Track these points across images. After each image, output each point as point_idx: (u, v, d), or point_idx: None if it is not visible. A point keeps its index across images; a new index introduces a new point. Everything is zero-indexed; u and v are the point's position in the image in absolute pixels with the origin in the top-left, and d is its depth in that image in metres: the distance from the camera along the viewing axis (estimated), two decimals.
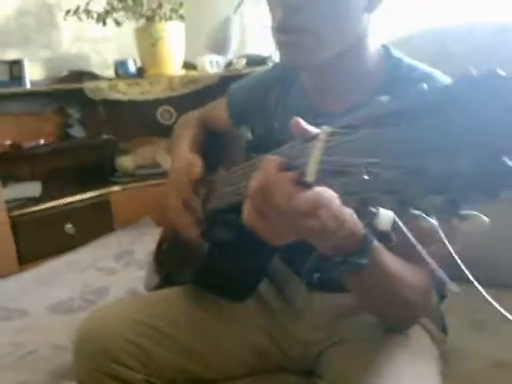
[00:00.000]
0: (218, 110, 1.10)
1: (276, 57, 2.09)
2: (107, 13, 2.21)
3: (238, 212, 0.76)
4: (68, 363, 1.17)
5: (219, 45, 2.15)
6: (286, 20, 0.73)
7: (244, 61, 2.27)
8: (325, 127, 0.45)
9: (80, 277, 1.70)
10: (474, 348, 0.99)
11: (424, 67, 0.80)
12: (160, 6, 2.22)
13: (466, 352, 0.97)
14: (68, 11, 2.21)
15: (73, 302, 1.51)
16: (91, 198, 2.17)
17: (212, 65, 2.31)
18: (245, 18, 2.30)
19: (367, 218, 0.45)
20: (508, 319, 1.03)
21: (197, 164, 0.89)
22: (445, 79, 0.77)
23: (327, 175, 0.43)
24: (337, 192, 0.44)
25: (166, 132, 2.49)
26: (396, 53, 0.83)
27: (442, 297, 0.90)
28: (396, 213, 0.41)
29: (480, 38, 1.31)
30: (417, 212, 0.36)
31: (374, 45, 0.81)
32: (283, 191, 0.49)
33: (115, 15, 2.22)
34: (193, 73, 2.31)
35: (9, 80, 2.16)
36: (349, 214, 0.56)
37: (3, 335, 1.35)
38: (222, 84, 2.22)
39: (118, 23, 2.22)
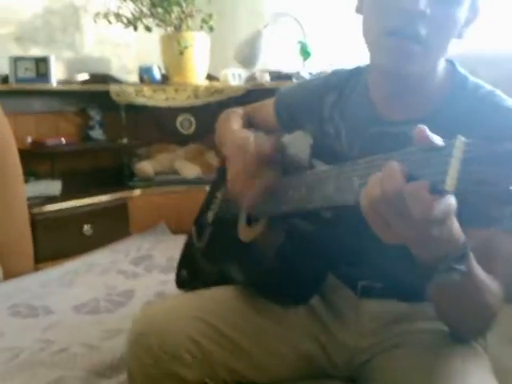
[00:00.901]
0: (266, 110, 1.12)
1: (304, 73, 2.15)
2: (137, 19, 2.26)
3: (312, 217, 0.80)
4: (103, 362, 1.20)
5: (247, 58, 2.20)
6: (407, 24, 0.74)
7: (268, 76, 2.32)
8: (459, 137, 0.46)
9: (101, 279, 1.72)
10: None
11: (488, 86, 0.84)
12: (190, 15, 2.28)
13: (504, 368, 1.01)
14: (97, 14, 2.26)
15: (98, 303, 1.52)
16: (110, 200, 2.19)
17: (234, 77, 2.37)
18: (272, 33, 2.36)
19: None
20: None
21: (264, 139, 0.88)
22: (505, 97, 0.80)
23: (466, 185, 0.45)
24: (474, 201, 0.47)
25: (184, 140, 2.55)
26: (462, 70, 0.87)
27: None
28: None
29: (509, 64, 1.38)
30: None
31: (442, 61, 0.85)
32: (421, 201, 0.50)
33: (144, 21, 2.28)
34: (217, 84, 2.36)
35: (35, 76, 2.19)
36: (456, 221, 0.58)
37: (32, 331, 1.37)
38: (247, 96, 2.28)
39: (148, 29, 2.27)
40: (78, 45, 2.51)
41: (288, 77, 2.24)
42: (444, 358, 0.78)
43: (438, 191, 0.48)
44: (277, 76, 2.32)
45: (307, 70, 2.21)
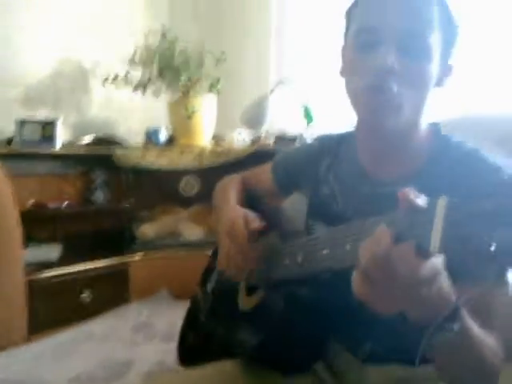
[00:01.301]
0: (263, 175, 1.18)
1: (307, 135, 2.17)
2: (146, 83, 2.30)
3: (310, 282, 0.80)
4: None
5: (253, 120, 2.24)
6: (379, 81, 0.79)
7: (273, 138, 2.34)
8: (442, 198, 0.49)
9: (99, 348, 1.64)
10: None
11: (469, 144, 0.87)
12: (198, 80, 2.31)
13: None
14: (106, 78, 2.30)
15: (95, 374, 1.44)
16: (109, 265, 2.14)
17: (239, 139, 2.38)
18: (277, 97, 2.41)
19: (497, 286, 0.50)
20: None
21: (254, 216, 0.95)
22: (488, 154, 0.83)
23: (450, 244, 0.47)
24: (458, 260, 0.48)
25: (187, 202, 2.53)
26: (444, 131, 0.91)
27: None
28: None
29: (500, 129, 1.39)
30: None
31: (425, 121, 0.89)
32: (408, 262, 0.51)
33: (152, 87, 2.31)
34: (222, 146, 2.37)
35: (40, 140, 2.19)
36: (447, 280, 0.59)
37: None
38: (251, 159, 2.27)
39: (156, 94, 2.30)
40: (84, 107, 2.54)
41: (292, 139, 2.26)
42: None
43: (423, 252, 0.50)
44: (281, 138, 2.33)
45: (310, 132, 2.24)
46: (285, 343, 0.85)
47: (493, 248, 0.42)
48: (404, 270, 0.52)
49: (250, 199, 1.19)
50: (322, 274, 0.76)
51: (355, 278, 0.57)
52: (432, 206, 0.50)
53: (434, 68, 0.81)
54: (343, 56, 0.92)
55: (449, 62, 0.86)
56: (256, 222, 0.93)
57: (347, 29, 0.89)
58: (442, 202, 0.49)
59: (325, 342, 0.89)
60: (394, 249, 0.53)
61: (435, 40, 0.80)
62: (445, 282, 0.59)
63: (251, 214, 0.96)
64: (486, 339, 0.70)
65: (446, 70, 0.85)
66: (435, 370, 0.75)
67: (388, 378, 0.89)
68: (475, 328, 0.67)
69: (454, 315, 0.61)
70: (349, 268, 0.60)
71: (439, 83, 0.85)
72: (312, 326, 0.85)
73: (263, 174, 1.18)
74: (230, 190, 1.16)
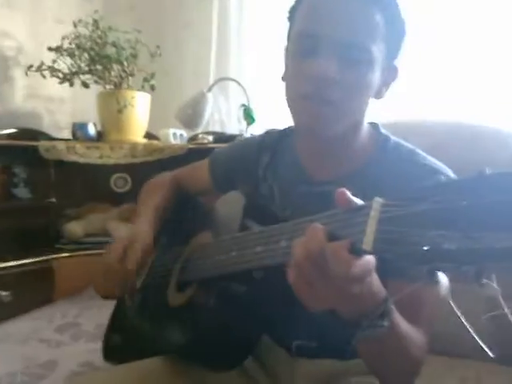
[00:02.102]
0: (199, 172, 1.16)
1: (247, 135, 2.17)
2: (74, 74, 2.22)
3: (243, 279, 0.80)
4: None
5: (189, 119, 2.20)
6: (319, 90, 0.80)
7: (211, 137, 2.32)
8: (377, 198, 0.50)
9: (19, 349, 1.55)
10: None
11: (408, 144, 0.91)
12: (132, 74, 2.26)
13: None
14: (30, 66, 2.19)
15: (15, 378, 1.36)
16: (32, 263, 2.04)
17: (175, 137, 2.35)
18: (216, 96, 2.39)
19: (428, 286, 0.49)
20: None
21: (142, 237, 0.97)
22: (424, 155, 0.87)
23: (383, 244, 0.48)
24: (391, 260, 0.49)
25: (118, 200, 2.46)
26: (383, 130, 0.94)
27: None
28: (468, 281, 0.45)
29: (437, 135, 1.51)
30: (485, 280, 0.43)
31: (365, 123, 0.92)
32: (340, 259, 0.52)
33: (82, 77, 2.24)
34: (156, 142, 2.32)
35: None
36: (377, 278, 0.62)
37: None
38: (187, 156, 2.25)
39: (86, 85, 2.22)
40: (5, 98, 2.40)
41: (231, 139, 2.25)
42: None
43: (357, 251, 0.52)
44: (220, 138, 2.32)
45: (250, 133, 2.23)
46: (215, 340, 0.85)
47: (426, 249, 0.43)
48: (336, 268, 0.53)
49: (183, 197, 1.18)
50: (256, 270, 0.77)
51: (290, 273, 0.58)
52: (367, 206, 0.52)
53: (376, 76, 0.83)
54: (286, 60, 0.91)
55: (394, 63, 0.87)
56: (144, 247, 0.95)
57: (290, 30, 0.89)
58: (376, 203, 0.50)
59: (256, 338, 0.89)
60: (327, 246, 0.53)
61: (377, 49, 0.80)
62: (375, 280, 0.61)
63: (147, 238, 0.98)
64: (413, 335, 0.73)
65: (390, 74, 0.87)
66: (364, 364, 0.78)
67: (320, 372, 0.91)
68: (404, 325, 0.70)
69: (384, 312, 0.63)
70: (283, 265, 0.61)
71: (382, 89, 0.87)
72: (244, 323, 0.84)
73: (199, 171, 1.16)
74: (154, 194, 1.14)
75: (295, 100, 0.84)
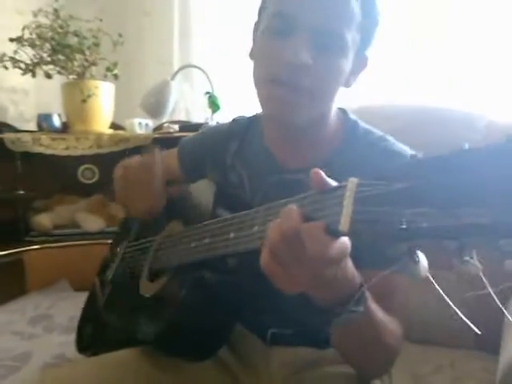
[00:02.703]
0: (169, 160, 1.14)
1: (212, 123, 2.19)
2: (36, 64, 2.20)
3: (215, 267, 0.80)
4: None
5: (154, 108, 2.20)
6: (287, 75, 0.78)
7: (177, 126, 2.33)
8: (352, 179, 0.50)
9: None
10: None
11: (377, 130, 0.91)
12: (94, 64, 2.25)
13: None
14: None
15: None
16: (3, 256, 2.05)
17: (141, 127, 2.35)
18: (180, 84, 2.39)
19: (408, 266, 0.48)
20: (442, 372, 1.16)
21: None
22: (393, 141, 0.87)
23: (360, 224, 0.47)
24: (368, 241, 0.49)
25: (86, 191, 2.47)
26: (352, 116, 0.93)
27: None
28: (450, 258, 0.43)
29: (402, 119, 1.52)
30: (467, 257, 0.41)
31: (334, 109, 0.91)
32: (316, 240, 0.51)
33: (44, 68, 2.22)
34: (122, 132, 2.33)
35: None
36: (351, 264, 0.61)
37: None
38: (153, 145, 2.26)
39: (48, 76, 2.21)
40: None
41: (197, 127, 2.26)
42: None
43: (333, 232, 0.51)
44: (185, 126, 2.33)
45: (216, 121, 2.24)
46: (188, 330, 0.85)
47: (403, 227, 0.42)
48: (312, 249, 0.52)
49: None
50: (230, 256, 0.75)
51: (263, 256, 0.57)
52: (342, 186, 0.51)
53: (348, 65, 0.81)
54: (254, 36, 0.88)
55: (365, 52, 0.86)
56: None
57: (263, 6, 0.86)
58: (351, 183, 0.49)
59: (230, 326, 0.89)
60: (302, 227, 0.52)
61: (352, 38, 0.79)
62: (350, 265, 0.61)
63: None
64: (388, 323, 0.73)
65: (360, 63, 0.86)
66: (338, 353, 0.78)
67: (296, 360, 0.91)
68: (378, 312, 0.70)
69: (358, 299, 0.62)
70: (256, 250, 0.60)
71: (350, 78, 0.86)
72: (216, 312, 0.84)
73: (168, 159, 1.15)
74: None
75: (264, 83, 0.82)
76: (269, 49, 0.81)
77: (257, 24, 0.88)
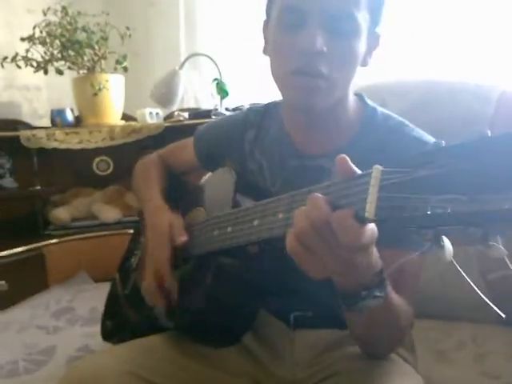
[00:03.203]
0: (184, 150, 1.16)
1: (222, 110, 2.20)
2: (47, 62, 2.22)
3: (238, 254, 0.81)
4: None
5: (164, 97, 2.22)
6: (309, 64, 0.79)
7: (187, 114, 2.35)
8: (376, 166, 0.50)
9: (19, 337, 1.62)
10: (440, 375, 1.13)
11: (395, 115, 0.91)
12: (104, 57, 2.27)
13: (434, 379, 1.09)
14: (5, 58, 2.20)
15: (16, 365, 1.43)
16: (24, 252, 2.09)
17: (152, 116, 2.37)
18: (188, 72, 2.40)
19: (433, 250, 0.49)
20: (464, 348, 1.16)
21: (180, 227, 0.93)
22: (413, 127, 0.87)
23: (386, 211, 0.48)
24: (394, 227, 0.50)
25: (102, 183, 2.51)
26: (370, 101, 0.93)
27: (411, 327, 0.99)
28: (475, 244, 0.44)
29: (414, 95, 1.49)
30: (491, 242, 0.42)
31: (351, 94, 0.91)
32: (348, 229, 0.52)
33: (55, 64, 2.24)
34: (134, 123, 2.35)
35: None
36: (375, 249, 0.61)
37: None
38: (165, 135, 2.28)
39: (59, 72, 2.23)
40: None
41: (206, 114, 2.28)
42: (379, 381, 0.81)
43: (360, 219, 0.51)
44: (195, 113, 2.34)
45: (225, 107, 2.27)
46: (212, 316, 0.86)
47: (429, 213, 0.42)
48: (345, 237, 0.52)
49: (171, 177, 1.17)
50: (253, 244, 0.75)
51: (290, 242, 0.57)
52: (366, 174, 0.51)
53: (362, 45, 0.82)
54: (266, 33, 0.90)
55: (376, 30, 0.85)
56: (183, 236, 0.91)
57: (270, 5, 0.87)
58: (376, 170, 0.49)
59: (254, 312, 0.90)
60: (332, 215, 0.53)
61: (363, 18, 0.79)
62: (374, 249, 0.60)
63: (178, 223, 0.94)
64: (402, 306, 0.74)
65: (373, 42, 0.86)
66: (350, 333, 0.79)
67: (318, 342, 0.93)
68: (394, 295, 0.70)
69: (381, 283, 0.63)
70: (280, 237, 0.61)
71: (366, 57, 0.86)
72: (240, 297, 0.85)
73: (183, 150, 1.16)
74: (151, 174, 1.14)
75: (285, 76, 0.84)
76: (284, 43, 0.82)
77: (266, 21, 0.89)
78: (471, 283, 0.50)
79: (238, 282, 0.85)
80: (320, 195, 0.55)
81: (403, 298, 0.76)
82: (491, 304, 0.51)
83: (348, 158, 0.55)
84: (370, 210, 0.49)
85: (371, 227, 0.54)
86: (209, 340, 0.92)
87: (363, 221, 0.51)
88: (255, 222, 0.70)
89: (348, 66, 0.82)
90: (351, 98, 0.91)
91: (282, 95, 0.88)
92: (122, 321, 1.13)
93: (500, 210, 0.38)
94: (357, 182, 0.52)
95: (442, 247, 0.48)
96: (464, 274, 0.51)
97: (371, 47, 0.86)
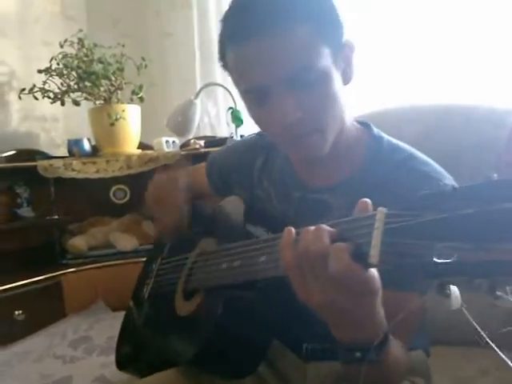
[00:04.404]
0: (198, 175, 1.16)
1: (237, 137, 2.22)
2: (64, 93, 2.27)
3: (249, 285, 0.80)
4: None
5: (180, 126, 2.25)
6: (289, 130, 0.77)
7: (203, 142, 2.37)
8: (380, 209, 0.49)
9: (36, 367, 1.64)
10: None
11: (404, 146, 0.87)
12: (120, 88, 2.31)
13: None
14: (23, 89, 2.25)
15: None
16: (41, 280, 2.11)
17: (168, 145, 2.40)
18: (204, 101, 2.43)
19: (438, 299, 0.47)
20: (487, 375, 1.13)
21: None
22: (424, 159, 0.83)
23: (391, 256, 0.46)
24: (399, 274, 0.49)
25: (119, 211, 2.53)
26: (376, 130, 0.90)
27: (428, 354, 0.96)
28: (482, 294, 0.42)
29: (428, 119, 1.48)
30: (499, 293, 0.40)
31: (350, 120, 0.87)
32: (340, 259, 0.51)
33: (72, 95, 2.29)
34: (150, 152, 2.38)
35: None
36: (381, 309, 0.60)
37: None
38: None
39: (76, 103, 2.27)
40: (3, 122, 2.47)
41: (222, 142, 2.30)
42: None
43: (362, 262, 0.50)
44: (211, 141, 2.37)
45: (240, 135, 2.28)
46: (225, 348, 0.85)
47: (435, 262, 0.41)
48: (334, 267, 0.52)
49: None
50: (260, 281, 0.75)
51: (289, 260, 0.58)
52: (371, 216, 0.50)
53: (337, 77, 0.78)
54: (241, 97, 0.85)
55: (343, 42, 0.80)
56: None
57: (232, 78, 0.82)
58: (381, 213, 0.48)
59: (267, 343, 0.88)
60: (331, 246, 0.53)
61: (323, 57, 0.75)
62: (379, 307, 0.59)
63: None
64: (400, 356, 0.71)
65: (346, 55, 0.81)
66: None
67: (330, 374, 0.90)
68: (394, 349, 0.67)
69: (381, 345, 0.61)
70: (285, 277, 0.60)
71: (346, 74, 0.81)
72: (253, 329, 0.84)
73: (198, 175, 1.17)
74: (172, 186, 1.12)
75: (272, 137, 0.84)
76: (260, 118, 0.81)
77: (240, 94, 0.84)
78: (480, 330, 0.50)
79: (249, 314, 0.83)
80: (325, 227, 0.55)
81: (399, 341, 0.72)
82: (502, 355, 0.50)
83: (370, 203, 0.54)
84: (374, 254, 0.47)
85: (371, 275, 0.53)
86: (222, 372, 0.90)
87: (367, 265, 0.50)
88: (262, 258, 0.70)
89: (331, 108, 0.78)
90: (352, 129, 0.88)
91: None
92: (136, 350, 1.12)
93: (508, 261, 0.37)
94: (361, 224, 0.51)
95: (448, 296, 0.47)
96: (473, 322, 0.50)
97: (347, 61, 0.81)
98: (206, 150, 2.34)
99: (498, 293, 0.40)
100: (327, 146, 0.81)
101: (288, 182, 0.94)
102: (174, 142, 2.44)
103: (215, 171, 1.12)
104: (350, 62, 0.82)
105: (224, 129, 2.56)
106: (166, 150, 2.38)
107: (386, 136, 0.89)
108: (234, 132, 2.29)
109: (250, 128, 2.31)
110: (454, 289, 0.47)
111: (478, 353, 1.28)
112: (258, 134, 1.08)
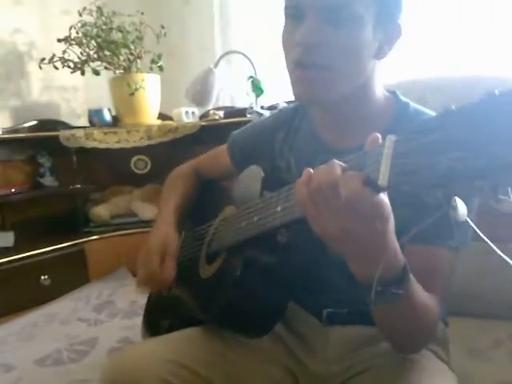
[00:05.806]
0: (219, 158, 1.20)
1: (257, 108, 2.24)
2: (84, 62, 2.31)
3: (268, 246, 0.84)
4: None
5: (199, 96, 2.26)
6: (304, 56, 0.81)
7: (222, 112, 2.39)
8: (389, 136, 0.51)
9: (62, 329, 1.71)
10: (475, 373, 1.13)
11: (428, 111, 0.90)
12: (139, 57, 2.34)
13: (469, 377, 1.10)
14: (43, 59, 2.29)
15: (61, 354, 1.52)
16: (65, 247, 2.19)
17: (188, 115, 2.43)
18: (223, 70, 2.44)
19: (445, 211, 0.50)
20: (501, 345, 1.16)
21: (173, 243, 1.04)
22: None
23: (399, 177, 0.49)
24: (407, 192, 0.50)
25: (140, 181, 2.59)
26: (403, 98, 0.93)
27: (446, 324, 1.00)
28: (485, 198, 0.44)
29: (454, 90, 1.48)
30: (501, 196, 0.42)
31: (380, 89, 0.91)
32: (351, 187, 0.54)
33: (92, 65, 2.33)
34: (170, 122, 2.41)
35: None
36: (395, 241, 0.63)
37: None
38: (201, 133, 2.35)
39: (96, 73, 2.31)
40: (24, 92, 2.52)
41: (242, 112, 2.31)
42: (412, 377, 0.83)
43: (373, 186, 0.53)
44: (230, 112, 2.38)
45: (260, 104, 2.29)
46: (244, 308, 0.88)
47: (439, 172, 0.43)
48: (345, 194, 0.55)
49: (204, 184, 1.24)
50: (278, 229, 0.77)
51: (301, 192, 0.62)
52: (380, 145, 0.53)
53: (368, 34, 0.81)
54: None
55: (397, 21, 0.85)
56: (172, 249, 1.04)
57: None
58: (389, 141, 0.50)
59: (284, 305, 0.91)
60: (342, 176, 0.56)
61: (364, 7, 0.79)
62: (392, 236, 0.61)
63: (172, 240, 1.05)
64: (428, 303, 0.74)
65: (390, 33, 0.85)
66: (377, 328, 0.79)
67: (352, 338, 0.93)
68: (419, 293, 0.70)
69: (401, 281, 0.64)
70: (303, 219, 0.63)
71: (382, 49, 0.85)
72: (272, 290, 0.87)
73: (219, 158, 1.20)
74: (174, 188, 1.19)
75: (289, 68, 0.86)
76: (287, 35, 0.86)
77: None
78: (492, 245, 0.51)
79: (267, 275, 0.87)
80: (336, 161, 0.59)
81: (432, 295, 0.76)
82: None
83: (379, 136, 0.56)
84: (382, 177, 0.50)
85: (381, 199, 0.55)
86: (240, 329, 0.95)
87: (377, 188, 0.53)
88: (279, 208, 0.73)
89: (350, 56, 0.82)
90: (380, 94, 0.91)
91: (292, 92, 0.89)
92: (163, 310, 1.18)
93: (508, 162, 0.39)
94: (372, 153, 0.55)
95: (455, 208, 0.50)
96: (482, 234, 0.52)
97: (388, 39, 0.85)
98: (226, 120, 2.37)
99: (501, 196, 0.43)
100: (335, 92, 0.84)
101: (312, 148, 0.96)
102: (193, 112, 2.47)
103: (237, 151, 1.15)
104: (391, 42, 0.86)
105: (244, 99, 2.57)
106: (186, 120, 2.41)
107: (411, 103, 0.92)
108: (253, 102, 2.30)
109: (270, 97, 2.35)
110: (459, 202, 0.50)
111: (492, 324, 1.35)
112: (279, 110, 1.12)
